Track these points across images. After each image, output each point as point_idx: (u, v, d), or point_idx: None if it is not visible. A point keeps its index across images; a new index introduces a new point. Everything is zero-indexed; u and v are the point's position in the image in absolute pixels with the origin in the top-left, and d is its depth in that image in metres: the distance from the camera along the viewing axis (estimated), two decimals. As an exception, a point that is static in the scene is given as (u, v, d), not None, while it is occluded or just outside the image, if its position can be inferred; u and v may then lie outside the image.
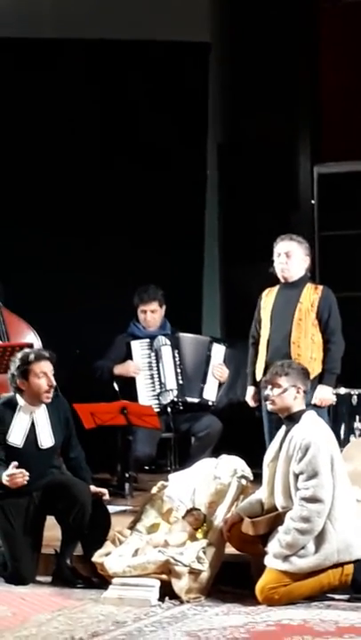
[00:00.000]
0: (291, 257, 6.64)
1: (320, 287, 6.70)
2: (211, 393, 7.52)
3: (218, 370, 7.54)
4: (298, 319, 6.57)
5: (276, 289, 6.75)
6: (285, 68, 8.96)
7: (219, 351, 7.59)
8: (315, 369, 6.49)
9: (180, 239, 8.57)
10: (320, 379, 6.56)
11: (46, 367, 5.92)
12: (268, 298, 6.77)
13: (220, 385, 7.58)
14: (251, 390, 6.78)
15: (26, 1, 8.54)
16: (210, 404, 7.51)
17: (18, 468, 5.75)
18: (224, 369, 7.57)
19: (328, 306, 6.62)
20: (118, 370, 7.53)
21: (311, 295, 6.63)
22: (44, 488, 5.89)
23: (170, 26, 8.56)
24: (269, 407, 5.71)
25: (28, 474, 5.74)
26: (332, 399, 6.71)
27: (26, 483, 5.75)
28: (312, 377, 6.28)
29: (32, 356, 5.94)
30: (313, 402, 6.44)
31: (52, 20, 8.54)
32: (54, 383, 5.92)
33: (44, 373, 5.90)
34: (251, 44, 9.06)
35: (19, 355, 6.00)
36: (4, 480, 5.76)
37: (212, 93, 8.89)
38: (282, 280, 6.70)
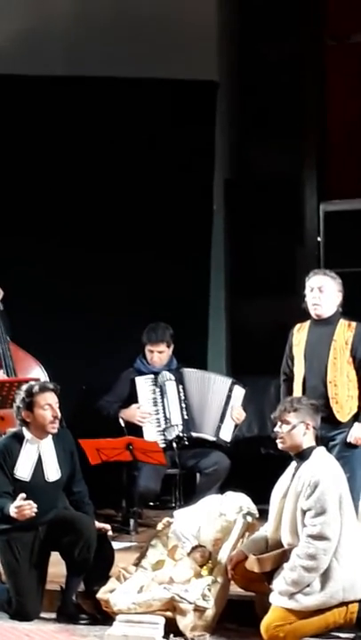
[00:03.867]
0: (324, 292, 6.42)
1: (353, 324, 6.46)
2: (227, 433, 7.48)
3: (237, 411, 7.52)
4: (333, 358, 6.37)
5: (307, 325, 6.53)
6: (292, 105, 9.03)
7: (239, 393, 7.58)
8: (352, 407, 6.35)
9: (186, 274, 8.58)
10: (356, 417, 6.37)
11: (50, 398, 5.95)
12: (299, 334, 6.55)
13: (236, 426, 7.55)
14: None
15: (36, 38, 8.63)
16: (223, 444, 7.48)
17: (25, 500, 5.74)
18: (242, 412, 7.52)
19: None
20: (125, 415, 7.50)
21: (345, 332, 6.42)
22: (49, 523, 5.89)
23: (178, 64, 8.62)
24: (279, 446, 5.68)
25: (35, 505, 5.74)
26: None
27: (34, 514, 5.75)
28: (350, 415, 6.30)
29: (36, 388, 5.98)
30: (348, 440, 6.32)
31: (62, 57, 8.62)
32: (59, 414, 5.95)
33: (49, 405, 5.93)
34: (257, 81, 9.14)
35: (23, 387, 6.04)
36: (12, 512, 5.75)
37: (219, 129, 8.94)
38: (314, 316, 6.47)
